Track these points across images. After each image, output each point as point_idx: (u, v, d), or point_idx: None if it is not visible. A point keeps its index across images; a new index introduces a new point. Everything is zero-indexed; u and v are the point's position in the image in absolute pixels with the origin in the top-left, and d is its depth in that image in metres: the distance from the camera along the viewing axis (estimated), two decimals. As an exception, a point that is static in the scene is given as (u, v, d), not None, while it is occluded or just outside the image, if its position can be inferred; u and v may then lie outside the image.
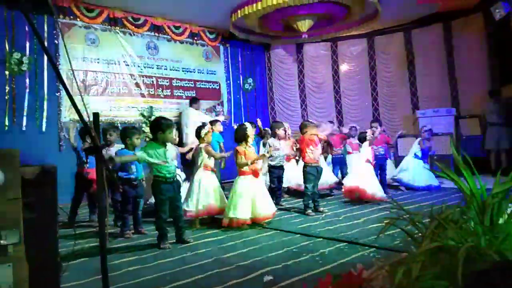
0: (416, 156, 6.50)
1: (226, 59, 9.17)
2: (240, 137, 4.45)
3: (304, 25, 7.57)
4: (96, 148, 1.69)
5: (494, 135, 7.11)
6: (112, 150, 4.40)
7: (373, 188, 5.38)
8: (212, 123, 5.73)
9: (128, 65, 7.49)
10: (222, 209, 4.38)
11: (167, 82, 8.05)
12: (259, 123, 6.23)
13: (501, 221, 1.55)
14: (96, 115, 1.87)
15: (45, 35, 6.38)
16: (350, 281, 1.88)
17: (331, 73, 9.72)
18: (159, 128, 3.56)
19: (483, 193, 1.61)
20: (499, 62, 7.57)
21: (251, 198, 4.22)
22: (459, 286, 1.32)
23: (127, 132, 4.20)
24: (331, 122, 7.01)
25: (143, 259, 3.24)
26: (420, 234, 1.75)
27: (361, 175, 5.45)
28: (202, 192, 4.36)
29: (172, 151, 3.83)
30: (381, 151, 6.18)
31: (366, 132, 5.77)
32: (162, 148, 3.58)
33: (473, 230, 1.54)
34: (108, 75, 7.21)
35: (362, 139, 5.80)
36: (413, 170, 6.39)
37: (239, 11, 7.17)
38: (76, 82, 6.50)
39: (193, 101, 7.52)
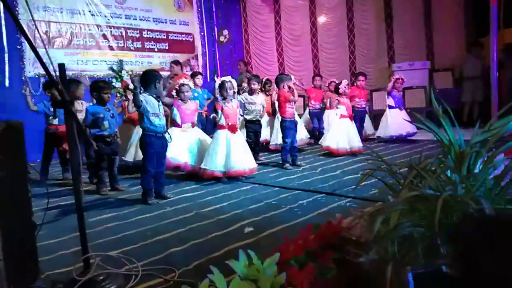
0: (390, 106, 6.54)
1: (199, 9, 8.71)
2: (220, 92, 4.41)
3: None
4: (64, 102, 1.58)
5: (470, 88, 7.28)
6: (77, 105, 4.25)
7: (349, 143, 5.43)
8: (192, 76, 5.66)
9: (93, 15, 7.01)
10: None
11: (137, 33, 7.62)
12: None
13: (477, 170, 1.59)
14: (61, 66, 1.74)
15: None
16: (329, 230, 1.93)
17: (309, 25, 9.47)
18: (152, 80, 3.51)
19: (461, 143, 1.64)
20: (473, 16, 7.55)
21: (226, 152, 4.22)
22: (436, 233, 1.37)
23: (96, 86, 4.00)
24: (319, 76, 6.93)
25: (121, 215, 3.21)
26: (398, 184, 1.79)
27: (336, 133, 5.46)
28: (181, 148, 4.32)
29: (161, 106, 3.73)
30: (363, 104, 6.19)
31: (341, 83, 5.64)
32: (156, 101, 3.53)
33: (450, 179, 1.57)
34: (72, 26, 6.75)
35: (336, 90, 5.69)
36: (391, 121, 6.41)
37: (212, -44, 6.73)
38: (39, 34, 6.05)
39: None
